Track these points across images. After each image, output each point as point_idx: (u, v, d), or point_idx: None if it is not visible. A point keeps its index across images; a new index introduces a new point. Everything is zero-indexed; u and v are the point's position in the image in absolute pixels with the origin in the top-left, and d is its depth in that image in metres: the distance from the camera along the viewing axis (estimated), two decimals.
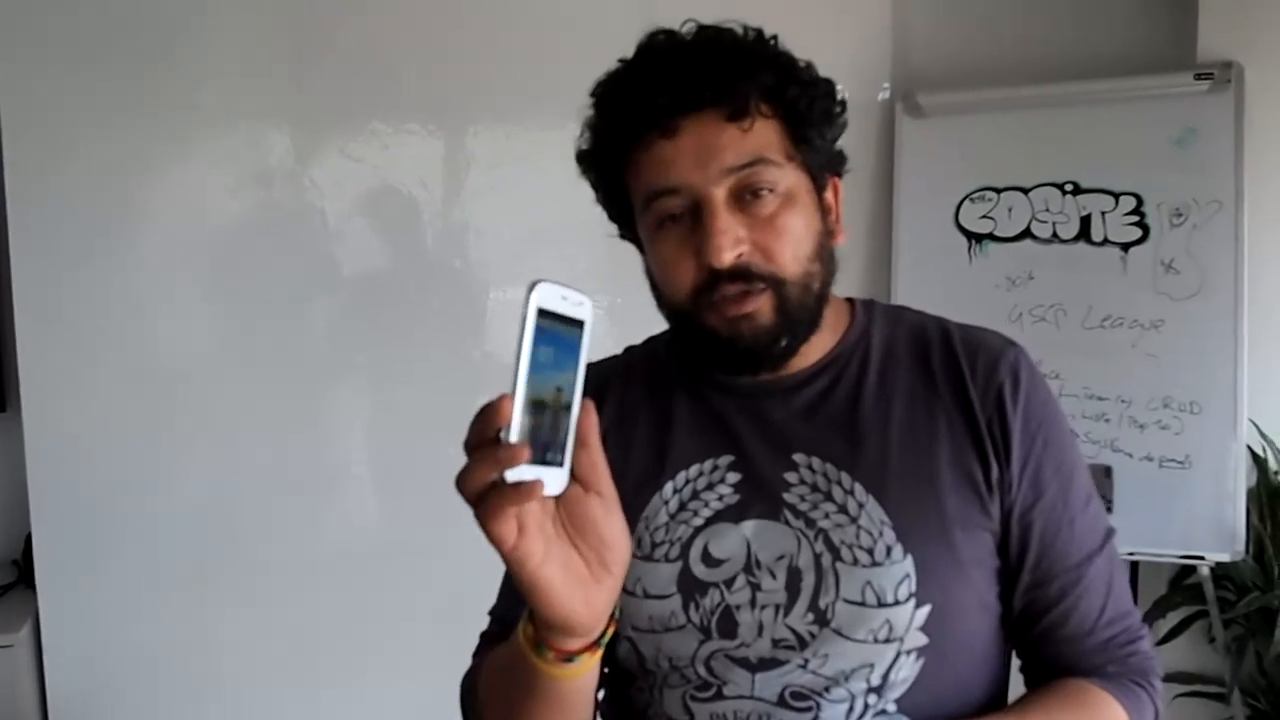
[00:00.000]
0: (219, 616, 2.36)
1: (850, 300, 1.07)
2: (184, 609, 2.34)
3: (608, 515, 0.69)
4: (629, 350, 1.12)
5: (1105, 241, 2.44)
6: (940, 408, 0.97)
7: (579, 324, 0.64)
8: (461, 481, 0.63)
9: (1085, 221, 2.45)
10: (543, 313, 0.61)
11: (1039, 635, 0.97)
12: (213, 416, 2.35)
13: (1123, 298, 2.41)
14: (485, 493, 0.62)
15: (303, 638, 2.39)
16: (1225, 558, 2.28)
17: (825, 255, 0.96)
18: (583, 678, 0.77)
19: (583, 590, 0.70)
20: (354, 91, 2.38)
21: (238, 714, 2.39)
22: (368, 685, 2.41)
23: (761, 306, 0.92)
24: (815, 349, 0.99)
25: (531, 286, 0.61)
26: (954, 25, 2.73)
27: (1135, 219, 2.41)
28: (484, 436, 0.61)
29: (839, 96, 0.98)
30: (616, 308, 2.25)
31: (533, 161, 2.41)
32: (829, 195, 0.99)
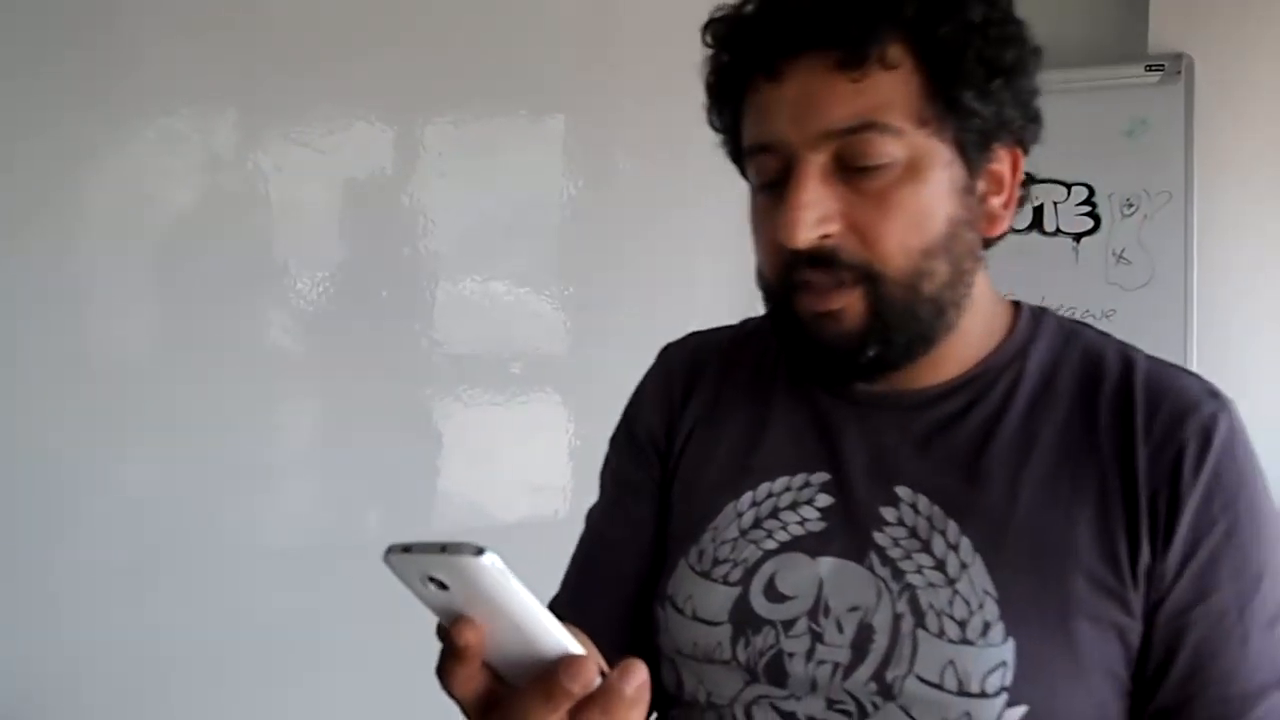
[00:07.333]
0: (162, 616, 2.30)
1: (1017, 304, 0.87)
2: (124, 609, 2.27)
3: None
4: (745, 323, 0.93)
5: (1058, 231, 2.45)
6: (1094, 463, 0.75)
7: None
8: None
9: (1038, 212, 2.47)
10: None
11: None
12: (153, 410, 2.28)
13: (1075, 287, 2.42)
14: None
15: (249, 635, 2.34)
16: None
17: (955, 251, 0.75)
18: None
19: None
20: (303, 75, 2.32)
21: (180, 714, 2.34)
22: (316, 682, 2.37)
23: (850, 304, 0.73)
24: (952, 360, 0.80)
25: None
26: None
27: (1087, 209, 2.43)
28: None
29: (1030, 41, 0.74)
30: (569, 298, 2.21)
31: (484, 149, 2.36)
32: (999, 169, 0.77)
